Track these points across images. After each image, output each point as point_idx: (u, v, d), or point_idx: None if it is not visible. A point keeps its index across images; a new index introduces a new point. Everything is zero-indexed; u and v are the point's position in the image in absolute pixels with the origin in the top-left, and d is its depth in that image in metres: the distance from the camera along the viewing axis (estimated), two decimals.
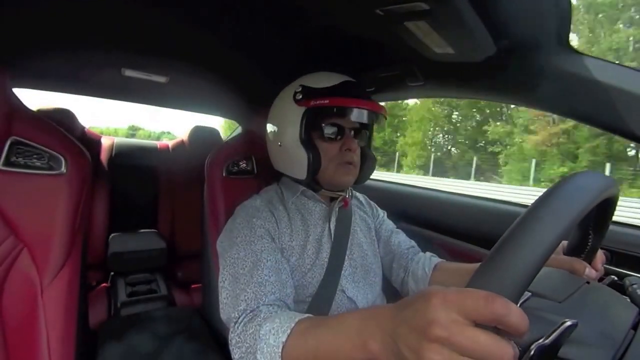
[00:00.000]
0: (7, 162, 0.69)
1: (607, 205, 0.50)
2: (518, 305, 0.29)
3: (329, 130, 0.84)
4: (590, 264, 0.61)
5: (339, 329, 0.45)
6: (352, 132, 0.86)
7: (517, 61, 0.78)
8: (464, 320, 0.30)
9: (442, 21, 0.66)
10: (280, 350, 0.51)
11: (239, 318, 0.63)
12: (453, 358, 0.29)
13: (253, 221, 0.79)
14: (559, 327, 0.37)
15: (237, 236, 0.77)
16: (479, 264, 0.33)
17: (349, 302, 0.84)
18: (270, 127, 0.92)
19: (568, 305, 0.46)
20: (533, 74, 0.77)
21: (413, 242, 1.00)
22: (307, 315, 0.56)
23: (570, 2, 0.63)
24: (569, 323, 0.37)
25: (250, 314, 0.63)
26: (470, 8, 0.61)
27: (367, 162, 0.93)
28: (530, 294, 0.47)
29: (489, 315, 0.29)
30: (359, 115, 0.81)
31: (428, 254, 0.95)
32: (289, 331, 0.52)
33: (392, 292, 1.00)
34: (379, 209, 1.08)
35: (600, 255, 0.62)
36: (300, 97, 0.83)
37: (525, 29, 0.71)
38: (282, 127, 0.87)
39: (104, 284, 1.69)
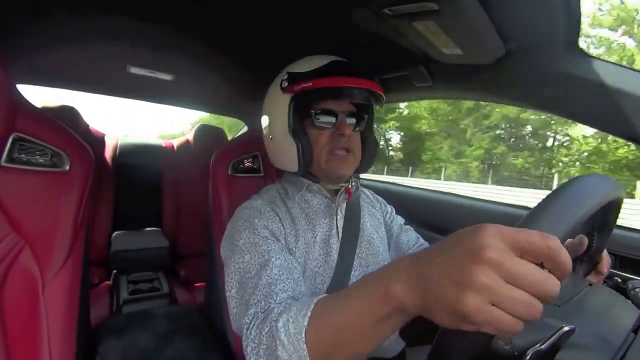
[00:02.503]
0: (10, 159, 0.68)
1: (614, 204, 0.50)
2: None
3: (319, 116, 0.79)
4: (596, 264, 0.60)
5: (358, 290, 0.43)
6: (353, 119, 0.81)
7: (525, 63, 0.77)
8: (514, 252, 0.30)
9: (450, 22, 0.65)
10: (303, 337, 0.45)
11: (250, 323, 0.57)
12: (499, 284, 0.29)
13: (255, 222, 0.73)
14: (556, 332, 0.36)
15: (239, 239, 0.71)
16: None
17: None
18: (263, 122, 0.89)
19: (567, 309, 0.46)
20: (542, 77, 0.76)
21: (421, 239, 0.95)
22: (324, 295, 0.51)
23: (579, 4, 0.62)
24: (566, 329, 0.37)
25: (262, 314, 0.56)
26: (479, 9, 0.61)
27: (369, 149, 0.86)
28: None
29: (543, 249, 0.30)
30: (346, 94, 0.76)
31: None
32: (309, 313, 0.47)
33: None
34: (387, 204, 1.01)
35: (606, 258, 0.61)
36: (286, 84, 0.78)
37: (535, 31, 0.70)
38: (272, 120, 0.84)
39: (106, 282, 1.69)
